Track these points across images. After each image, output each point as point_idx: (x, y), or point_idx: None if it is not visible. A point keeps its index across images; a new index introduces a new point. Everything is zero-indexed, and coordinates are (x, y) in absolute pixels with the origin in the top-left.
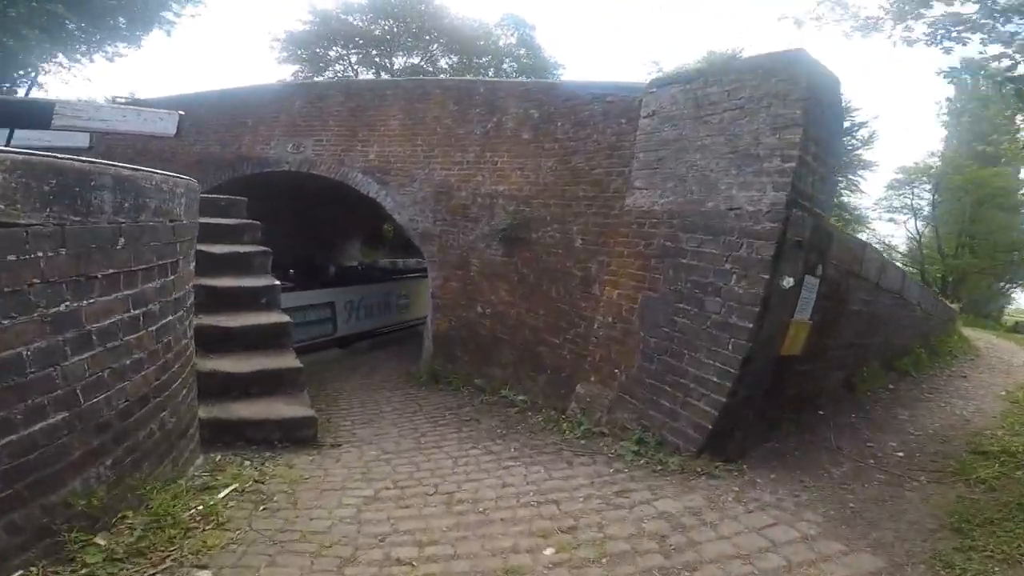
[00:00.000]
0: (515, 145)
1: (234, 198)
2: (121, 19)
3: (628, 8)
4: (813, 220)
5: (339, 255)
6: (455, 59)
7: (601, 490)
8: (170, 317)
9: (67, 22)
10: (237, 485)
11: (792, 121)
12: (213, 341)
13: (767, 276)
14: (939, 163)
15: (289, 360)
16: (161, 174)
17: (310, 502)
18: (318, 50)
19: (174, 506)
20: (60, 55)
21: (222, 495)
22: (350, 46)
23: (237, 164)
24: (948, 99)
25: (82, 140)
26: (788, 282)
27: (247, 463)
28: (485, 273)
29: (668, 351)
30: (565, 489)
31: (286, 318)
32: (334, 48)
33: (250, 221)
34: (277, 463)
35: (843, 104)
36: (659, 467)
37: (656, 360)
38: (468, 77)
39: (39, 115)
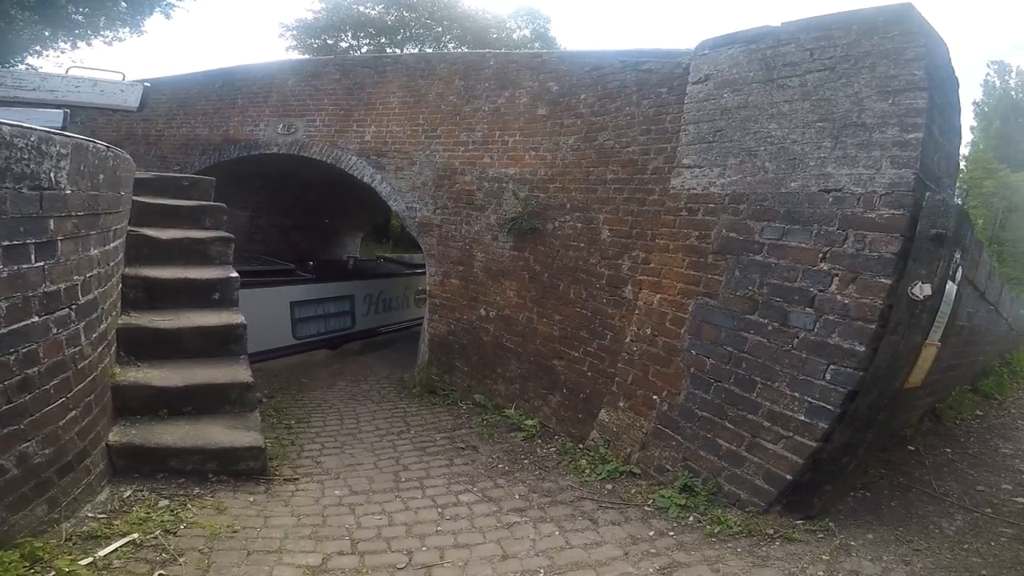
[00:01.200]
0: (529, 123)
1: (199, 177)
2: (123, 3)
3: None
4: (956, 207)
5: (339, 248)
6: (467, 51)
7: (640, 565)
8: (34, 319)
9: (66, 5)
10: (137, 535)
11: (911, 84)
12: (146, 345)
13: (889, 281)
14: (965, 167)
15: (238, 372)
16: (18, 125)
17: (227, 571)
18: (328, 39)
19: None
20: (61, 40)
21: (109, 549)
22: (360, 35)
23: (224, 147)
24: (975, 102)
25: (56, 118)
26: (924, 291)
27: (164, 502)
28: (491, 270)
29: (732, 377)
30: (589, 564)
31: (239, 319)
32: (344, 37)
33: (214, 204)
34: (204, 504)
35: (954, 74)
36: (716, 527)
37: (713, 387)
38: (476, 51)
39: None
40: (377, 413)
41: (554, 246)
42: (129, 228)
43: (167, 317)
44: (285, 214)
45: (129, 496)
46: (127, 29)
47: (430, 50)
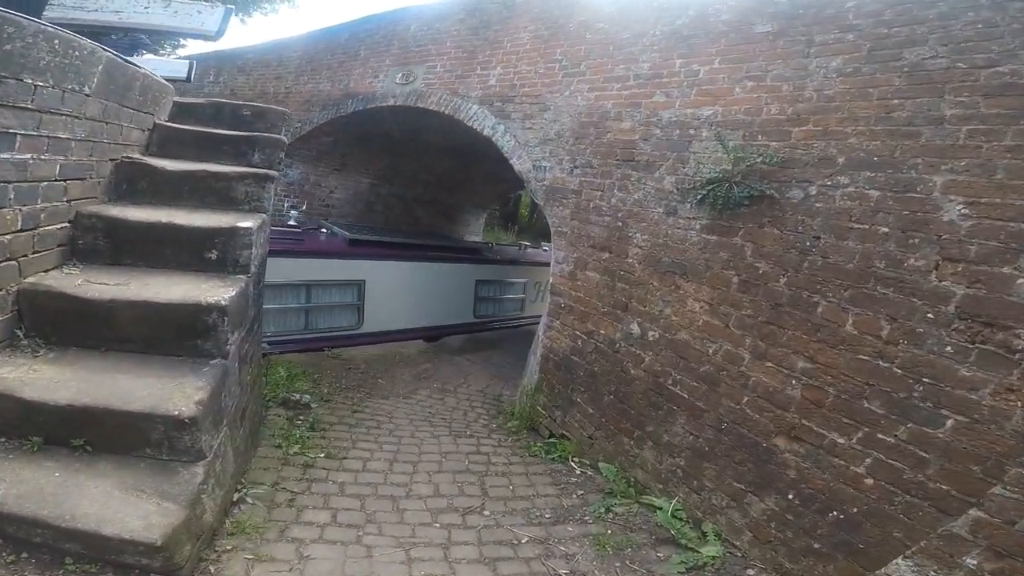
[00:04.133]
0: (738, 44)
1: (267, 107)
2: None
3: None
4: None
5: (462, 228)
6: None
7: None
8: None
9: None
10: None
11: None
12: (64, 323)
13: None
14: None
15: (177, 394)
16: None
17: None
18: None
19: None
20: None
21: None
22: None
23: (342, 102)
24: None
25: (181, 69)
26: None
27: None
28: (658, 262)
29: None
30: None
31: (218, 297)
32: None
33: (268, 135)
34: None
35: None
36: None
37: None
38: None
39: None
40: (448, 458)
41: (805, 230)
42: (126, 156)
43: (117, 280)
44: (408, 185)
45: None
46: (261, 13)
47: None
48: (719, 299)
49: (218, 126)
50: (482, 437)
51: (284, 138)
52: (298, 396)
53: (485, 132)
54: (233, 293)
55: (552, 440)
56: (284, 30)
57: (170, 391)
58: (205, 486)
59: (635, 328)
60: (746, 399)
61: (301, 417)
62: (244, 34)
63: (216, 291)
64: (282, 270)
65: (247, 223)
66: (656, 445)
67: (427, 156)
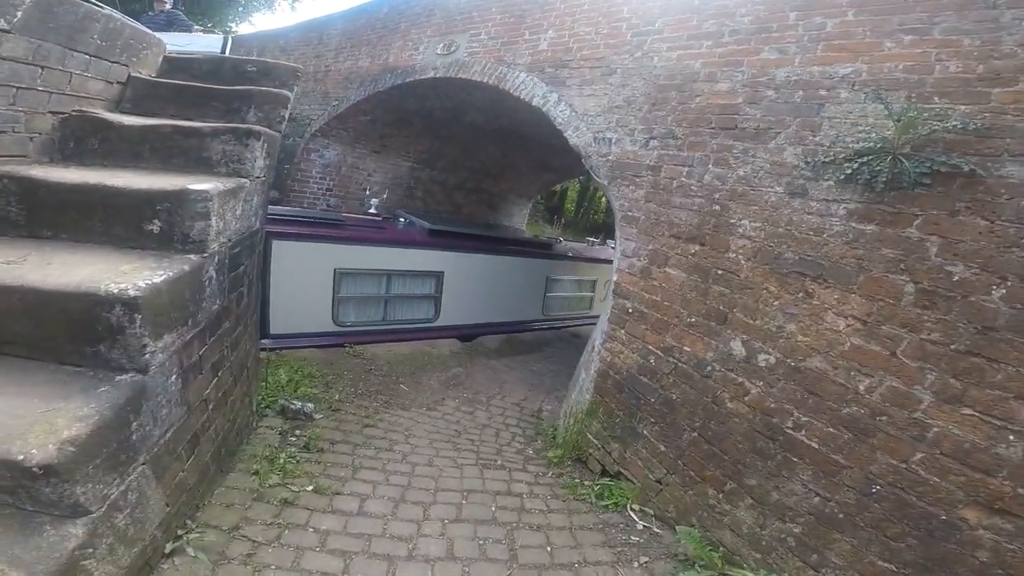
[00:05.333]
0: None
1: (275, 63)
2: None
3: None
4: None
5: (505, 219)
6: None
7: None
8: None
9: None
10: None
11: None
12: None
13: None
14: None
15: (49, 421)
16: None
17: None
18: None
19: None
20: None
21: None
22: None
23: (380, 77)
24: None
25: (214, 45)
26: None
27: None
28: (777, 260)
29: None
30: None
31: (133, 286)
32: None
33: (268, 90)
34: None
35: None
36: None
37: None
38: None
39: None
40: (471, 499)
41: None
42: (78, 110)
43: (12, 258)
44: (450, 170)
45: None
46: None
47: None
48: (880, 315)
49: (216, 83)
50: (515, 469)
51: (287, 92)
52: (299, 404)
53: (535, 102)
54: (159, 280)
55: (606, 480)
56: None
57: (31, 421)
58: (89, 549)
59: (737, 348)
60: (920, 456)
61: (298, 432)
62: (294, 19)
63: (133, 276)
64: (364, 258)
65: (204, 185)
66: (759, 503)
67: (470, 139)
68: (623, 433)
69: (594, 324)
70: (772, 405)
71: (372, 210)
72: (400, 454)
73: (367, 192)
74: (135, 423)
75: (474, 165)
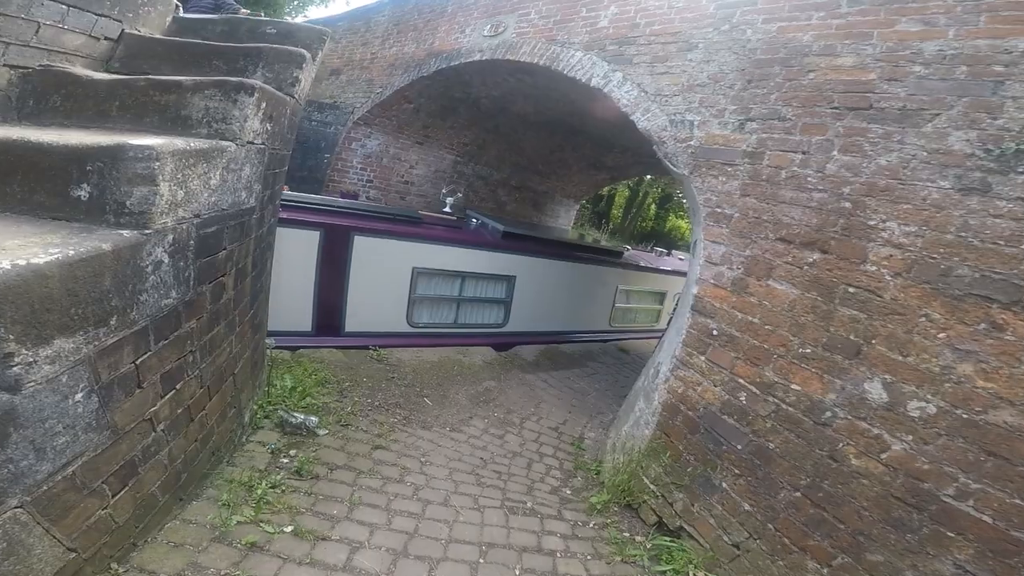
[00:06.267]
0: None
1: (296, 24)
2: None
3: None
4: None
5: (551, 220)
6: None
7: None
8: None
9: None
10: None
11: None
12: None
13: None
14: None
15: None
16: None
17: None
18: None
19: None
20: None
21: None
22: None
23: (425, 62)
24: None
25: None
26: None
27: None
28: (944, 277)
29: None
30: None
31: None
32: None
33: (280, 47)
34: None
35: None
36: None
37: None
38: None
39: None
40: (491, 557)
41: None
42: (43, 64)
43: None
44: (494, 165)
45: None
46: None
47: None
48: None
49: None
50: (549, 516)
51: (303, 51)
52: (300, 418)
53: (593, 83)
54: (44, 260)
55: (664, 539)
56: None
57: None
58: None
59: (876, 390)
60: None
61: (293, 452)
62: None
63: (9, 254)
64: (441, 258)
65: (148, 139)
66: None
67: (517, 132)
68: (692, 483)
69: (659, 338)
70: (925, 467)
71: (447, 208)
72: (411, 487)
73: (442, 190)
74: None
75: (520, 161)
